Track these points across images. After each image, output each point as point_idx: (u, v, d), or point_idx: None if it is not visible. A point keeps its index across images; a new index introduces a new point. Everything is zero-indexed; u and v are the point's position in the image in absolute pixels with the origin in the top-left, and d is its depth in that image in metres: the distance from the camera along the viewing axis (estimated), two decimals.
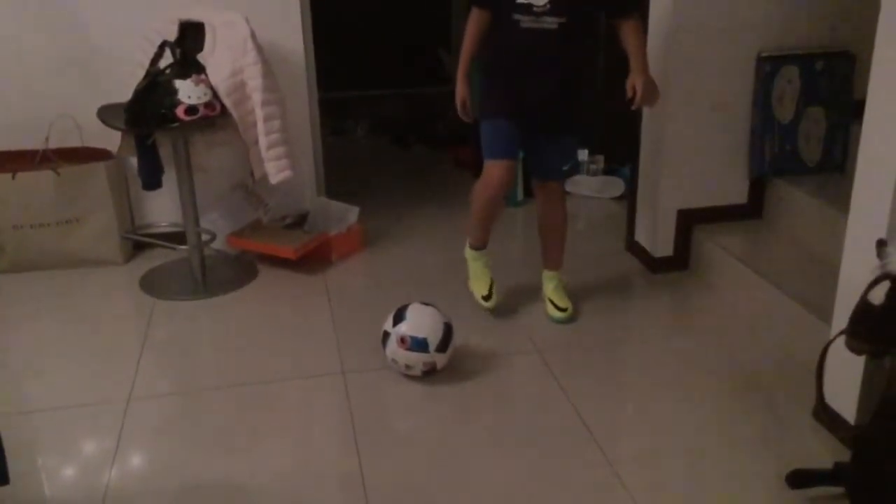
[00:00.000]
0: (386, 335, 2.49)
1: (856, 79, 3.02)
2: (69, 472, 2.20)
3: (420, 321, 2.48)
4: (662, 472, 2.13)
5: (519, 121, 2.63)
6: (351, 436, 2.26)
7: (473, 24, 2.63)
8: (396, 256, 3.43)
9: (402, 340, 2.44)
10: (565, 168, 2.78)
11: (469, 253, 2.93)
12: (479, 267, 2.92)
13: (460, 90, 2.68)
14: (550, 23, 2.46)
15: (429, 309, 2.53)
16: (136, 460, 2.22)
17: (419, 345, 2.44)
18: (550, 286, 2.90)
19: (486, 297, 2.87)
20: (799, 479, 2.01)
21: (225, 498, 2.05)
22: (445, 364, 2.51)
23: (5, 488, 1.68)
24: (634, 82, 2.53)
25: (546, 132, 2.67)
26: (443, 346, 2.46)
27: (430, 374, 2.49)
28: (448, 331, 2.49)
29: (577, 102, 2.69)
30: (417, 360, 2.45)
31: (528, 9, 2.47)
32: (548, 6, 2.45)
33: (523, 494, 2.05)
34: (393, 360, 2.49)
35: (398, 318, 2.49)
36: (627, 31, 2.55)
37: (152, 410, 2.42)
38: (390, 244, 3.53)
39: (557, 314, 2.84)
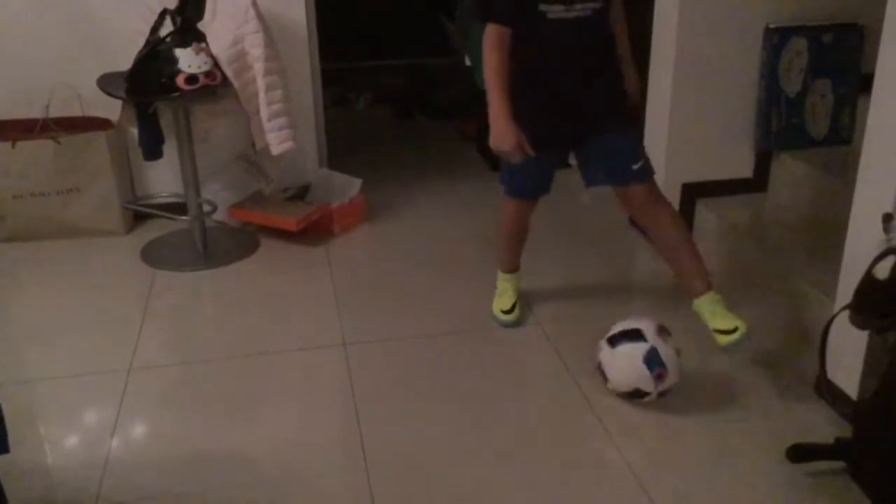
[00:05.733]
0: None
1: (864, 52, 2.98)
2: (70, 441, 2.21)
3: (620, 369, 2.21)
4: (661, 446, 2.13)
5: (555, 147, 2.32)
6: (352, 407, 2.26)
7: (500, 49, 2.12)
8: (399, 228, 3.42)
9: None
10: (635, 167, 2.27)
11: (499, 275, 2.70)
12: (507, 288, 2.67)
13: (509, 128, 2.13)
14: (583, 9, 2.11)
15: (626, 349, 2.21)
16: (136, 430, 2.23)
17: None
18: (706, 315, 2.32)
19: (506, 311, 2.63)
20: (800, 453, 2.01)
21: (225, 468, 2.06)
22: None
23: (5, 457, 1.69)
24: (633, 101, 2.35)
25: (597, 133, 2.28)
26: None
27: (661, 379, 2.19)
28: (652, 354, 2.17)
29: (620, 90, 2.32)
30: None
31: None
32: None
33: (522, 466, 2.06)
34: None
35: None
36: (620, 18, 2.31)
37: (153, 380, 2.42)
38: (393, 216, 3.52)
39: (727, 339, 2.26)
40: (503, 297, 2.67)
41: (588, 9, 2.10)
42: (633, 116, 2.31)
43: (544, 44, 2.14)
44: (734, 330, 2.25)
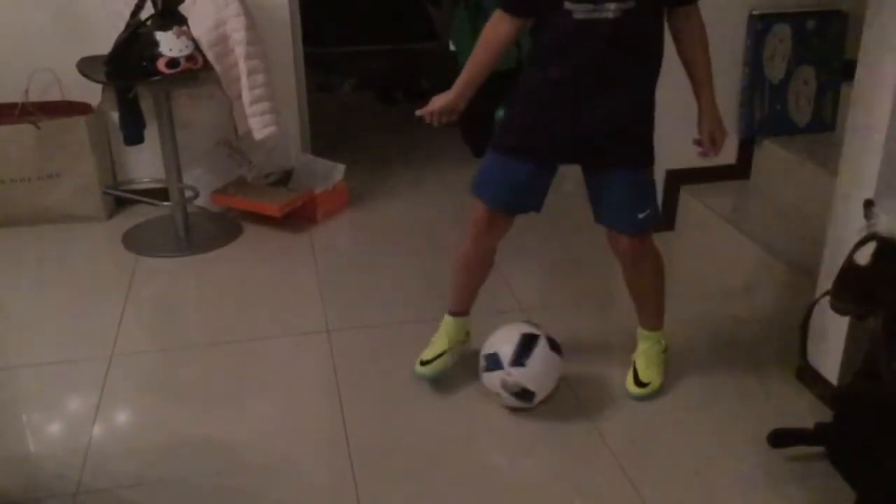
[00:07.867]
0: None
1: (847, 38, 2.99)
2: (51, 428, 2.19)
3: (495, 337, 2.18)
4: (642, 429, 2.14)
5: (550, 162, 2.08)
6: (335, 394, 2.26)
7: (493, 32, 1.98)
8: (382, 214, 3.41)
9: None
10: (641, 216, 2.06)
11: (446, 316, 2.33)
12: (440, 334, 2.31)
13: (449, 98, 2.09)
14: (616, 10, 1.82)
15: (511, 324, 2.20)
16: (118, 417, 2.21)
17: (493, 362, 2.13)
18: (639, 353, 2.29)
19: (424, 362, 2.28)
20: (780, 438, 2.03)
21: (207, 455, 2.05)
22: (531, 380, 2.11)
23: None
24: (711, 130, 2.08)
25: (603, 167, 2.05)
26: (518, 359, 2.09)
27: (523, 397, 2.13)
28: (526, 341, 2.11)
29: (645, 126, 2.05)
30: (494, 380, 2.13)
31: None
32: None
33: (505, 450, 2.06)
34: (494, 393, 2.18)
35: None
36: (693, 33, 2.00)
37: (135, 367, 2.41)
38: (376, 202, 3.50)
39: (633, 389, 2.23)
40: (433, 345, 2.30)
41: (619, 10, 1.82)
42: (650, 150, 2.06)
43: (567, 45, 1.90)
44: (646, 384, 2.24)
